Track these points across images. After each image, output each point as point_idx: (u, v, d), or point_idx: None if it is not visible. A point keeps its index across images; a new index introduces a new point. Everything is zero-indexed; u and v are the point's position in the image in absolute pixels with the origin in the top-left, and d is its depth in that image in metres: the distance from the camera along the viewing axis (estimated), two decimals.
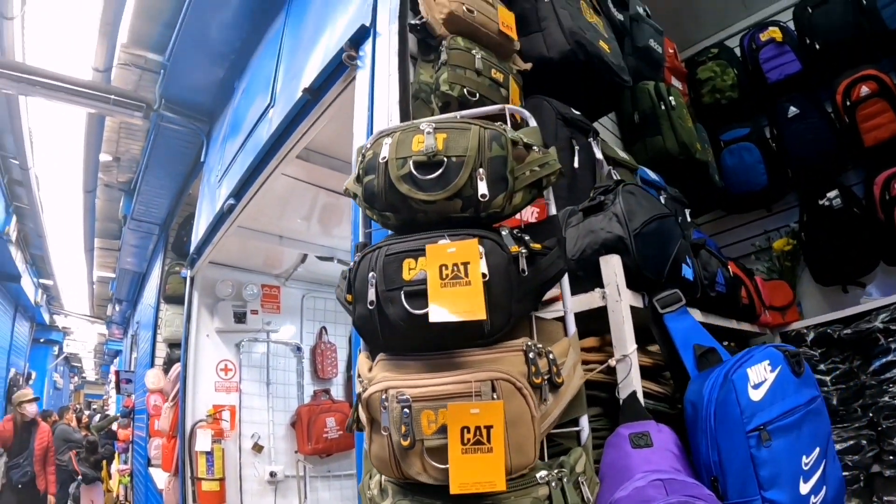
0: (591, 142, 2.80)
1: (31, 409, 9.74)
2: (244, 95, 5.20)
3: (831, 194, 4.31)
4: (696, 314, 2.47)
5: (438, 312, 1.38)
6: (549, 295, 1.76)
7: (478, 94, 2.39)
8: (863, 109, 4.22)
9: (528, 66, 2.86)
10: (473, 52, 2.48)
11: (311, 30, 3.78)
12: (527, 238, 1.55)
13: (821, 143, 4.46)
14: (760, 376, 1.68)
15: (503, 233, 1.54)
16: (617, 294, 1.86)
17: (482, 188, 1.50)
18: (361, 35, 2.86)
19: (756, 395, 1.64)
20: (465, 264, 1.41)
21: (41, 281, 16.35)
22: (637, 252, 1.96)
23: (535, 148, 1.64)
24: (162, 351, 8.13)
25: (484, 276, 1.41)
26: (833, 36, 4.49)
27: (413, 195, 1.54)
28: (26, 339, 19.23)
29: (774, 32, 4.79)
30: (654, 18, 4.88)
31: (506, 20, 2.70)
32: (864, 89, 4.24)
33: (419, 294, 1.44)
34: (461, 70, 2.42)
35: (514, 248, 1.50)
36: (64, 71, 6.32)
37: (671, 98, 4.02)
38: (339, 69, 3.11)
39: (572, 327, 1.73)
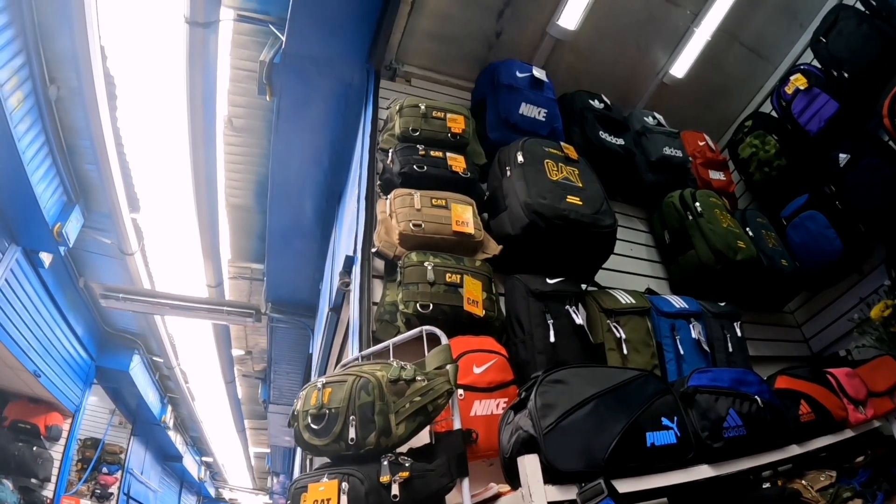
0: (568, 309, 2.77)
1: None
2: (321, 298, 5.63)
3: None
4: (704, 470, 2.29)
5: None
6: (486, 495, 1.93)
7: (431, 305, 2.51)
8: None
9: (498, 249, 2.93)
10: (426, 263, 2.60)
11: (342, 248, 4.10)
12: (407, 464, 1.76)
13: (885, 183, 3.88)
14: None
15: (384, 462, 1.74)
16: (530, 494, 1.82)
17: (352, 433, 1.78)
18: (349, 264, 3.11)
19: None
20: (328, 500, 1.68)
21: (203, 459, 17.69)
22: (549, 449, 1.91)
23: (418, 379, 1.87)
24: None
25: None
26: (857, 56, 4.04)
27: (312, 441, 1.87)
28: None
29: (798, 80, 4.36)
30: (683, 116, 4.85)
31: (459, 217, 2.82)
32: None
33: None
34: (414, 286, 2.55)
35: (384, 479, 1.70)
36: (184, 291, 7.23)
37: (697, 204, 3.85)
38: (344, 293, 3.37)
39: None
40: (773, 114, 4.77)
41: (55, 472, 8.64)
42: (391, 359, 2.04)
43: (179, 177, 5.88)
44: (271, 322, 7.08)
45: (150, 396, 10.85)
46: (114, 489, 11.11)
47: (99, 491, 10.72)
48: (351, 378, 1.86)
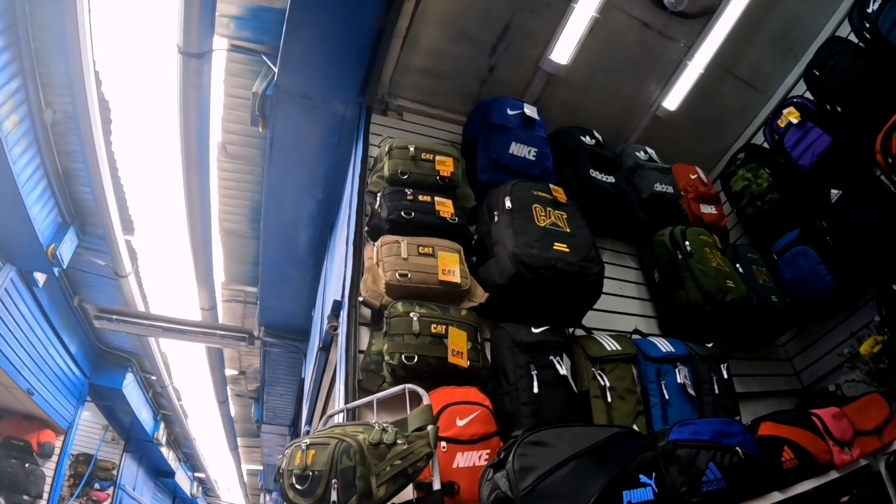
0: (553, 360, 2.77)
1: None
2: (314, 326, 5.63)
3: None
4: None
5: None
6: None
7: (416, 357, 2.52)
8: None
9: (485, 297, 2.93)
10: (412, 314, 2.61)
11: (331, 288, 4.10)
12: None
13: (877, 219, 3.87)
14: None
15: None
16: None
17: (334, 496, 1.78)
18: (337, 308, 3.10)
19: None
20: None
21: (195, 475, 17.69)
22: None
23: (399, 442, 1.88)
24: None
25: None
26: (850, 89, 4.04)
27: (297, 500, 1.90)
28: None
29: (791, 114, 4.37)
30: (675, 148, 4.87)
31: (446, 266, 2.82)
32: None
33: None
34: (400, 337, 2.56)
35: None
36: (178, 313, 7.25)
37: (687, 244, 3.85)
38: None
39: None
40: (766, 146, 4.77)
41: (47, 488, 8.64)
42: (374, 419, 2.05)
43: (173, 201, 5.91)
44: (264, 346, 7.08)
45: (143, 413, 10.86)
46: None
47: None
48: (334, 441, 1.87)
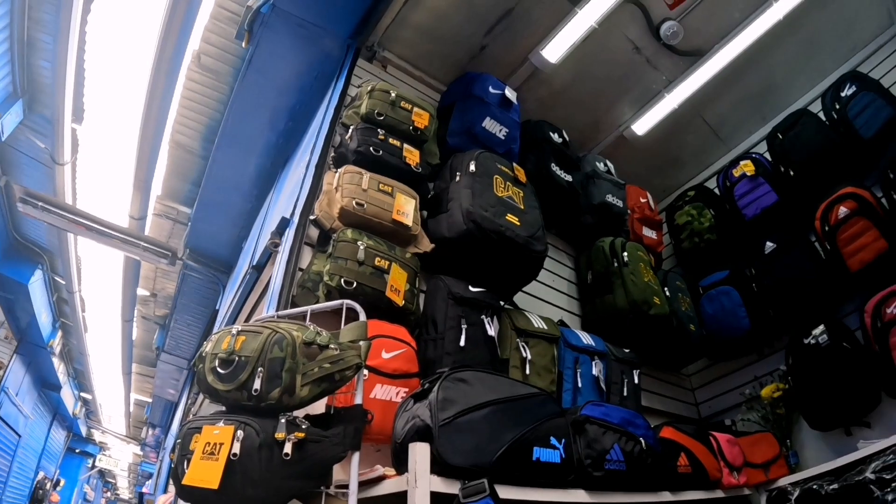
0: (483, 319, 2.85)
1: None
2: (242, 256, 5.55)
3: (817, 331, 3.88)
4: (580, 495, 2.41)
5: (190, 478, 1.66)
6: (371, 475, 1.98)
7: (355, 283, 2.56)
8: (843, 232, 3.91)
9: (430, 248, 3.00)
10: (359, 242, 2.65)
11: (278, 210, 4.07)
12: (304, 426, 1.79)
13: (802, 277, 4.14)
14: None
15: (282, 420, 1.75)
16: (415, 480, 1.87)
17: (257, 384, 1.77)
18: (283, 226, 3.10)
19: None
20: (220, 444, 1.67)
21: (81, 394, 17.08)
22: (442, 442, 1.97)
23: (332, 346, 1.89)
24: None
25: (234, 455, 1.64)
26: (807, 158, 4.32)
27: (215, 385, 1.85)
28: (61, 446, 19.72)
29: (747, 166, 4.65)
30: (633, 170, 5.06)
31: (401, 208, 2.87)
32: (843, 210, 3.94)
33: None
34: (343, 261, 2.59)
35: (279, 435, 1.71)
36: (106, 216, 6.99)
37: (625, 254, 4.01)
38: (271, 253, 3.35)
39: None
40: (717, 191, 5.02)
41: None
42: (308, 323, 2.03)
43: (132, 99, 5.72)
44: (185, 268, 6.90)
45: (44, 317, 10.46)
46: None
47: None
48: (267, 331, 1.86)
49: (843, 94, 4.29)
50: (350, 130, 3.11)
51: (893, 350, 3.51)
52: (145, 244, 6.89)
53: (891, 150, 3.88)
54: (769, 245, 4.39)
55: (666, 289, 4.31)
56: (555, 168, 4.05)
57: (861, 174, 4.10)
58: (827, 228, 4.01)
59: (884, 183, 3.90)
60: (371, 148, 3.00)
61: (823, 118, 4.43)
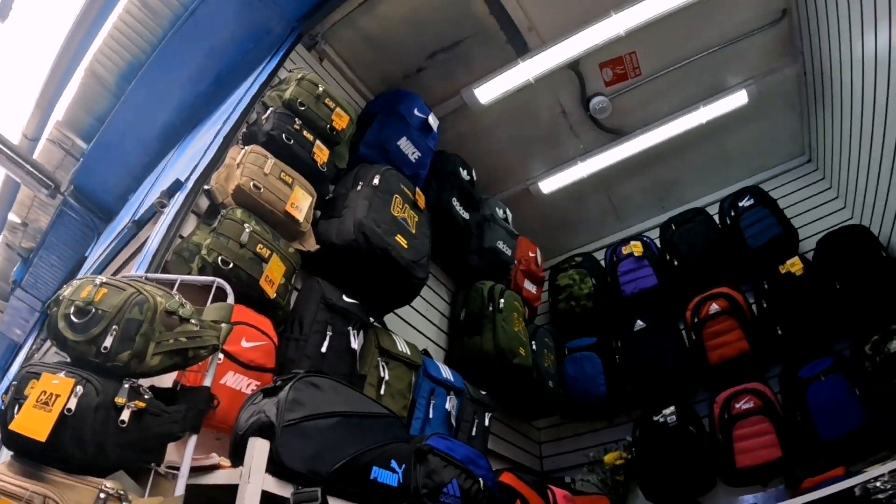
0: (349, 330, 2.89)
1: None
2: (126, 208, 5.33)
3: (667, 411, 4.19)
4: None
5: (18, 424, 1.54)
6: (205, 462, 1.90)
7: (232, 264, 2.50)
8: (710, 327, 4.30)
9: (315, 248, 3.01)
10: (246, 225, 2.61)
11: (174, 171, 3.94)
12: (146, 396, 1.70)
13: (664, 359, 4.47)
14: None
15: (125, 385, 1.66)
16: (248, 476, 1.83)
17: (108, 342, 1.67)
18: (175, 188, 3.01)
19: None
20: (57, 396, 1.56)
21: None
22: (282, 442, 1.94)
23: (193, 321, 1.83)
24: None
25: (69, 410, 1.54)
26: (692, 254, 4.67)
27: (65, 332, 1.72)
28: None
29: (635, 247, 4.99)
30: (528, 224, 5.26)
31: (297, 202, 2.87)
32: (714, 307, 4.32)
33: None
34: (225, 239, 2.54)
35: (119, 400, 1.62)
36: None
37: (502, 301, 4.14)
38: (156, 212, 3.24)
39: (179, 490, 1.76)
40: (603, 263, 5.30)
41: None
42: (175, 292, 1.95)
43: (62, 14, 5.38)
44: (63, 205, 6.51)
45: None
46: None
47: None
48: (131, 290, 1.77)
49: (740, 204, 4.71)
50: (268, 111, 3.08)
51: (736, 442, 3.88)
52: (31, 168, 6.47)
53: (771, 264, 4.26)
54: (639, 323, 4.71)
55: (534, 342, 4.46)
56: (455, 203, 4.16)
57: (739, 279, 4.50)
58: (696, 320, 4.41)
59: (758, 291, 4.32)
60: (284, 135, 2.98)
61: (717, 221, 4.83)
